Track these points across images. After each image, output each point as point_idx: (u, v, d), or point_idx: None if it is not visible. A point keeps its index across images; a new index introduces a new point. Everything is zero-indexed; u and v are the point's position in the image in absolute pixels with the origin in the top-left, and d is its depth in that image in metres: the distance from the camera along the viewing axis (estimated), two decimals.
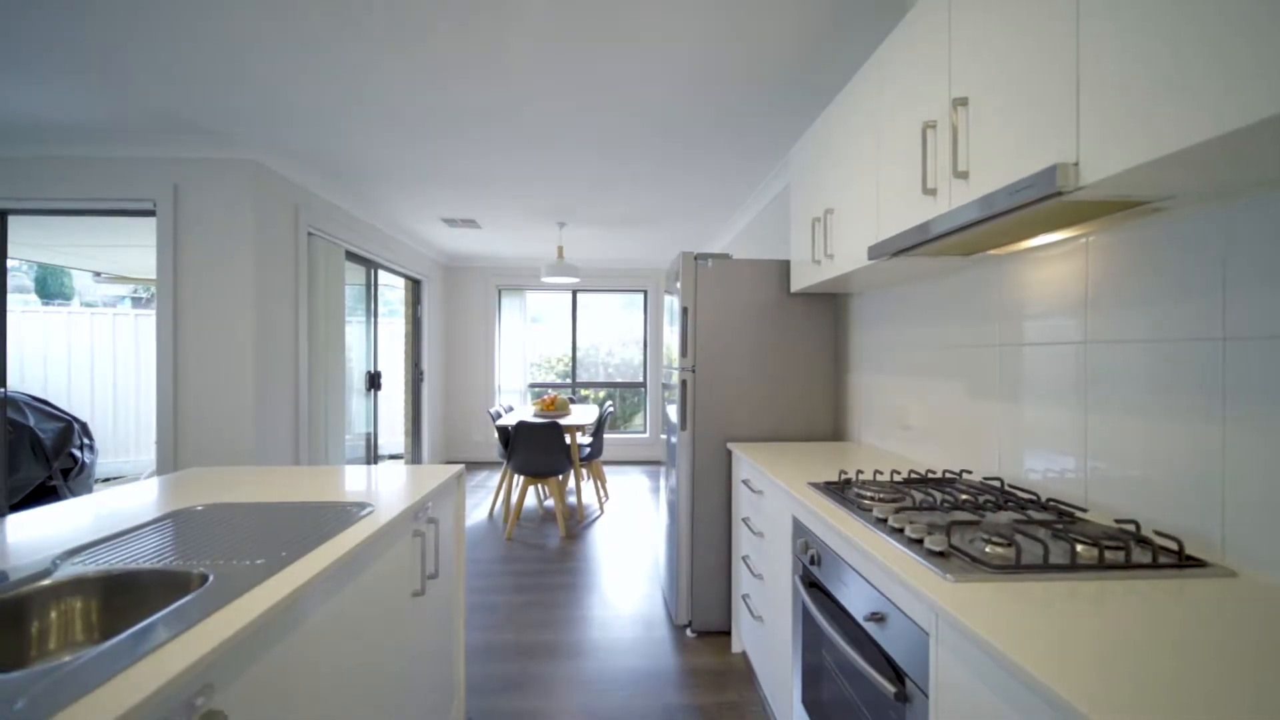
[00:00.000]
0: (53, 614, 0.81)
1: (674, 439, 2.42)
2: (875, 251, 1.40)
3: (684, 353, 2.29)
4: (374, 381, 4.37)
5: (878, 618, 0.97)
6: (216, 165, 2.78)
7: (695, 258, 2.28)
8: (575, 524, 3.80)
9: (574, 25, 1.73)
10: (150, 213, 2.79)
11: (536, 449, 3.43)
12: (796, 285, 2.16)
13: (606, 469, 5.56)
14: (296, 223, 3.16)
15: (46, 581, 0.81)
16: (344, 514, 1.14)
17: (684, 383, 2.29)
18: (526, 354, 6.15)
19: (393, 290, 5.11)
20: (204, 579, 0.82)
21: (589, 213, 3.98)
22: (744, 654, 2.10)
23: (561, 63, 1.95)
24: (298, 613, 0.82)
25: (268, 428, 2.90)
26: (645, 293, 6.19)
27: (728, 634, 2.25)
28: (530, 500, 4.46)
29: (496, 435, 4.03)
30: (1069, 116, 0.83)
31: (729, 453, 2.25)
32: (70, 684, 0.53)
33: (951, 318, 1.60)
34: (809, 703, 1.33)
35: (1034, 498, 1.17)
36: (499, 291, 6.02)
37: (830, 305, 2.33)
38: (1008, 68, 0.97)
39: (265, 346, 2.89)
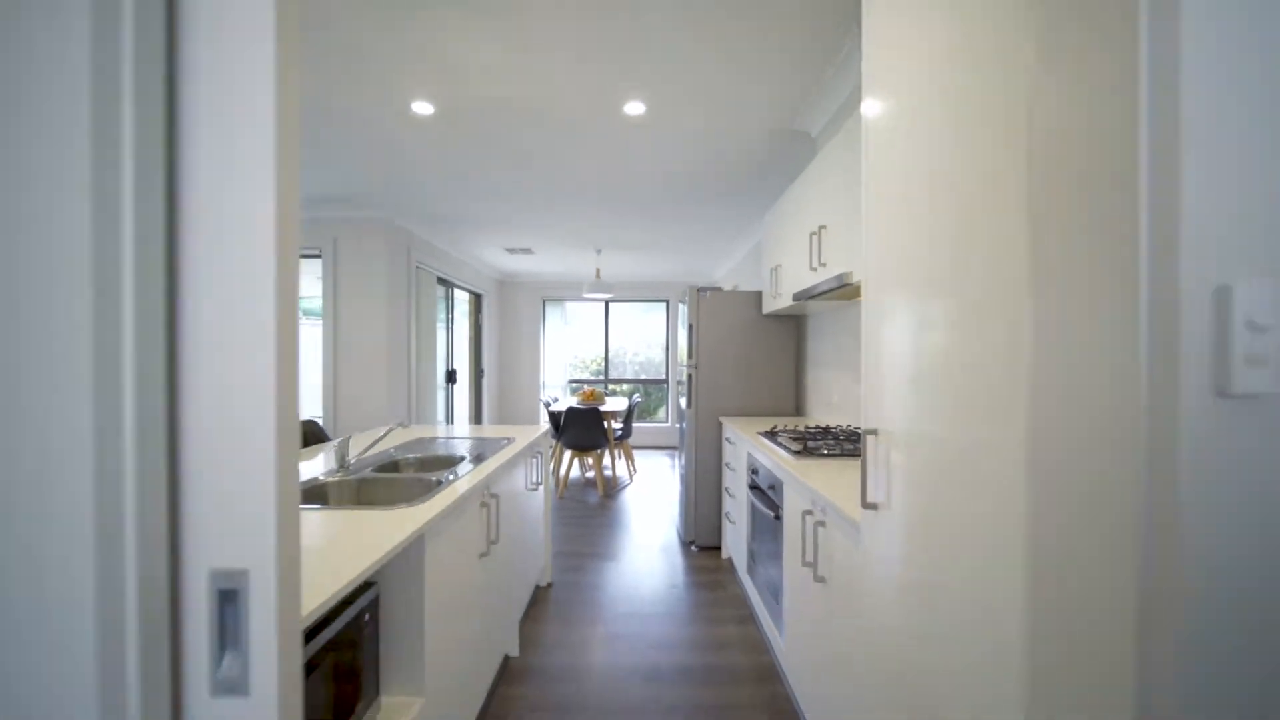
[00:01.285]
0: (362, 488, 1.85)
1: (684, 425, 3.45)
2: (796, 296, 2.41)
3: (690, 355, 3.32)
4: (451, 377, 5.54)
5: (771, 487, 2.00)
6: (362, 223, 3.95)
7: (698, 290, 3.32)
8: (611, 488, 4.87)
9: (620, 151, 2.80)
10: (318, 255, 3.98)
11: (582, 429, 4.51)
12: (766, 309, 3.17)
13: (635, 451, 6.61)
14: (409, 259, 4.32)
15: (366, 472, 1.90)
16: (495, 444, 2.22)
17: (690, 376, 3.32)
18: (566, 355, 7.28)
19: (459, 303, 6.29)
20: (434, 484, 1.89)
21: (621, 242, 5.04)
22: (729, 559, 3.12)
23: (609, 165, 3.02)
24: (485, 489, 1.89)
25: (391, 408, 4.06)
26: (666, 302, 7.23)
27: (718, 548, 3.27)
28: (574, 472, 5.55)
29: (548, 419, 5.13)
30: (856, 248, 1.84)
31: (719, 423, 3.28)
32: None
33: (843, 332, 2.59)
34: (750, 568, 2.36)
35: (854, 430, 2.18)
36: (544, 302, 7.16)
37: (794, 322, 3.32)
38: (837, 217, 1.98)
39: (390, 348, 4.05)
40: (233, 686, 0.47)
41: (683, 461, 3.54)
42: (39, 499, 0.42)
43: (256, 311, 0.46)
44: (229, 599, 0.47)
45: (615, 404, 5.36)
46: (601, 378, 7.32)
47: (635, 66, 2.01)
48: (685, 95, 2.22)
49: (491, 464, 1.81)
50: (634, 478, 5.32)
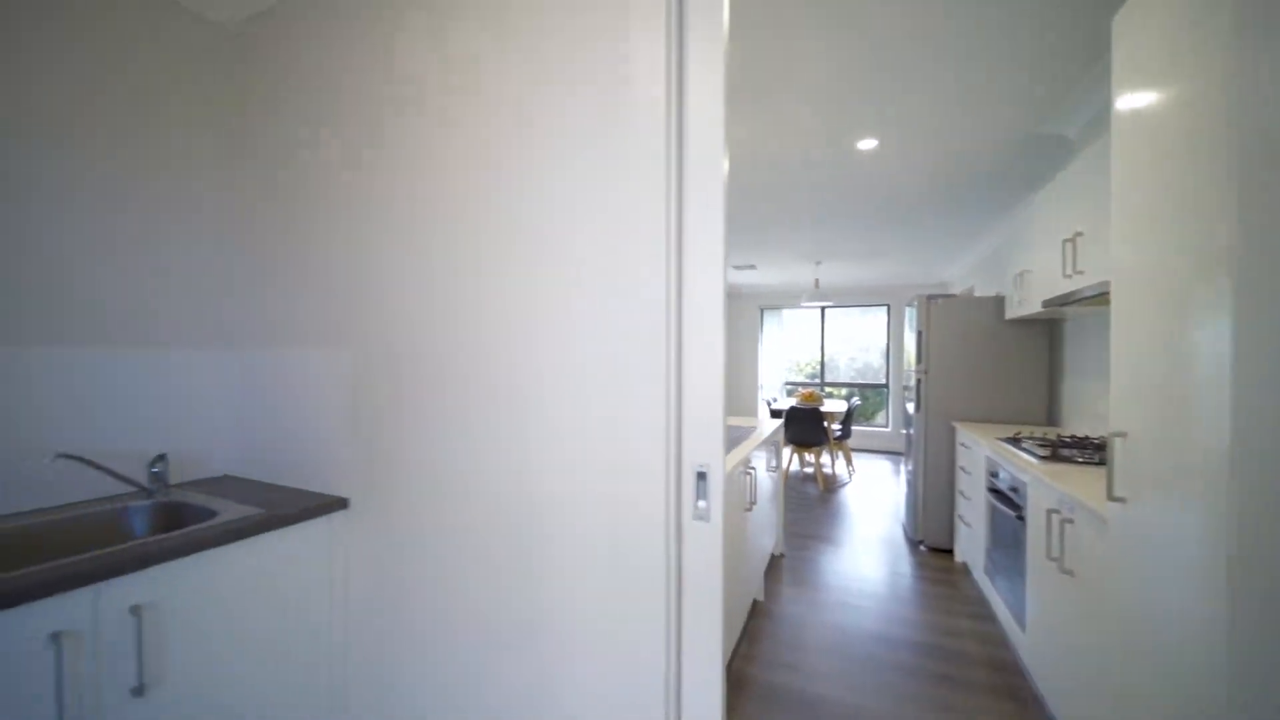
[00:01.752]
0: None
1: (912, 430, 3.52)
2: (1046, 303, 2.37)
3: (919, 360, 3.38)
4: None
5: (1013, 489, 2.09)
6: None
7: (928, 298, 3.36)
8: (830, 484, 5.07)
9: (849, 180, 3.10)
10: None
11: (804, 426, 4.84)
12: (1009, 315, 3.04)
13: (853, 453, 6.58)
14: None
15: None
16: (743, 431, 2.77)
17: (918, 381, 3.39)
18: (781, 359, 7.61)
19: None
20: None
21: (842, 253, 5.18)
22: (963, 563, 3.10)
23: (838, 193, 3.33)
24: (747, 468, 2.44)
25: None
26: (887, 306, 6.94)
27: (950, 551, 3.26)
28: (792, 466, 5.88)
29: (770, 416, 5.58)
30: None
31: (952, 428, 3.26)
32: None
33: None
34: (988, 569, 2.42)
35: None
36: (761, 311, 7.64)
37: (1045, 328, 3.09)
38: (1095, 223, 1.96)
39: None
40: (702, 516, 1.07)
41: (909, 464, 3.61)
42: (644, 433, 1.08)
43: (711, 339, 1.05)
44: (701, 477, 1.08)
45: (833, 406, 5.51)
46: (817, 381, 7.42)
47: (869, 112, 2.32)
48: (920, 124, 2.43)
49: (748, 445, 2.38)
50: (853, 477, 5.38)
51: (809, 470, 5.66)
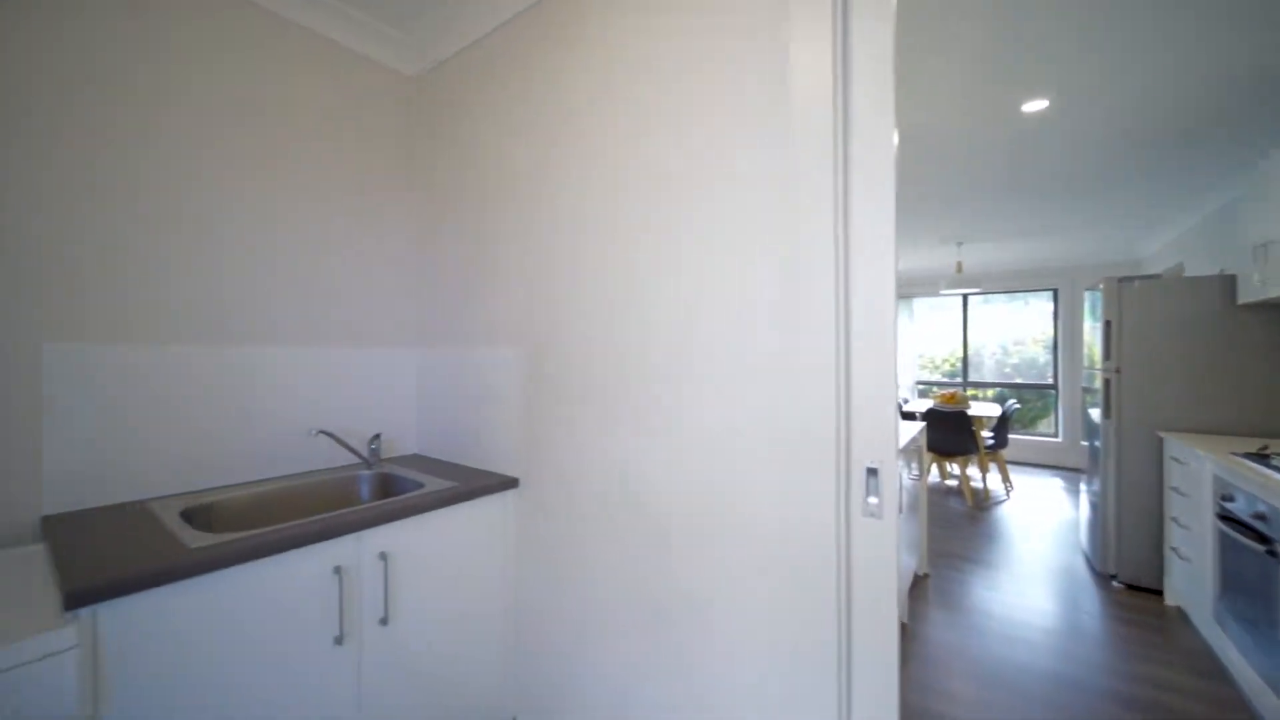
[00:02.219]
0: None
1: (1098, 441, 2.98)
2: None
3: (1106, 356, 2.86)
4: None
5: (1259, 517, 1.68)
6: None
7: (1120, 280, 2.82)
8: (981, 500, 4.48)
9: (1009, 147, 2.73)
10: None
11: (947, 432, 4.35)
12: (1245, 299, 2.43)
13: (1010, 468, 5.76)
14: None
15: None
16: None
17: (1107, 382, 2.86)
18: (910, 354, 6.91)
19: None
20: None
21: (992, 232, 4.56)
22: (1177, 607, 2.55)
23: (994, 163, 2.94)
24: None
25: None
26: (1054, 292, 5.95)
27: (1159, 591, 2.69)
28: (930, 477, 5.31)
29: (901, 419, 5.10)
30: None
31: (1158, 439, 2.69)
32: None
33: None
34: (1218, 614, 1.96)
35: None
36: None
37: None
38: None
39: None
40: (874, 513, 1.02)
41: (1093, 482, 3.05)
42: (811, 426, 1.05)
43: (882, 329, 0.99)
44: (872, 473, 1.02)
45: (983, 409, 4.86)
46: (958, 380, 6.62)
47: (1038, 67, 2.02)
48: (1107, 75, 2.06)
49: None
50: (1010, 494, 4.71)
51: (950, 483, 5.07)
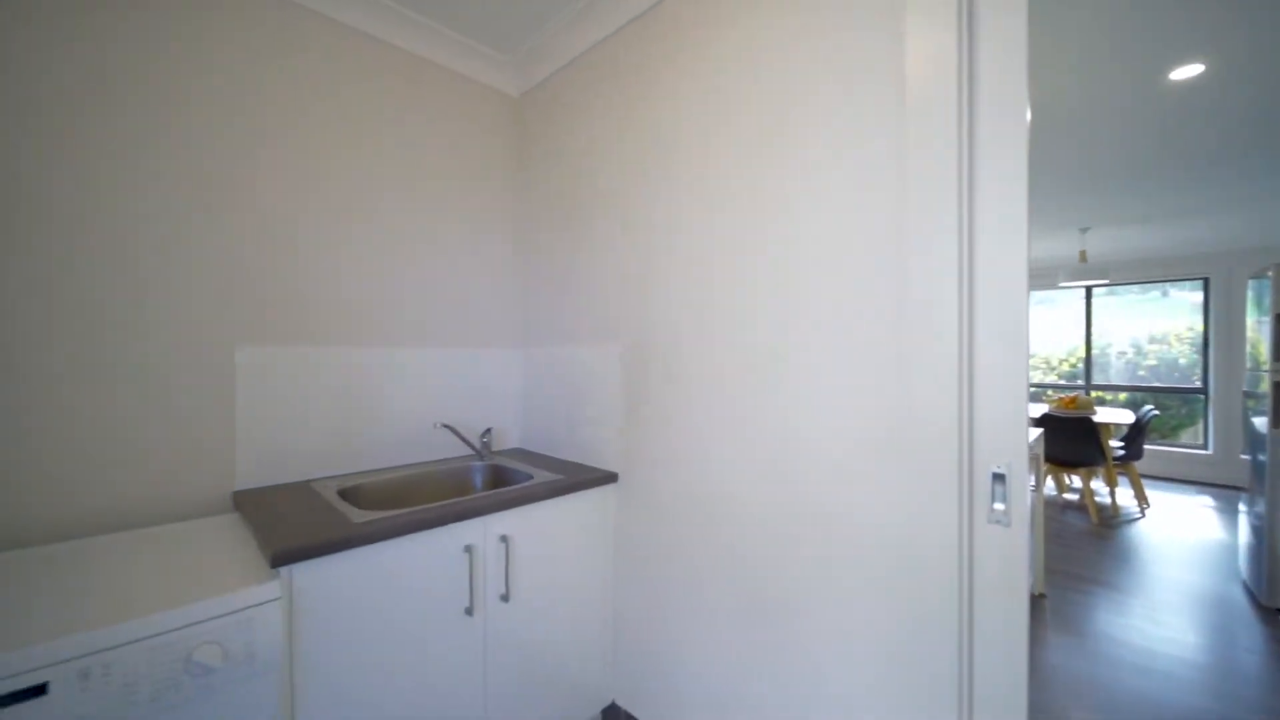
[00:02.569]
0: None
1: (1264, 455, 2.55)
2: None
3: (1277, 356, 2.44)
4: None
5: None
6: None
7: None
8: (1107, 518, 3.99)
9: (1152, 118, 2.41)
10: None
11: (1068, 440, 3.92)
12: None
13: (1145, 483, 5.08)
14: None
15: None
16: None
17: (1276, 385, 2.44)
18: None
19: None
20: None
21: (1125, 215, 4.04)
22: None
23: (1134, 136, 2.62)
24: None
25: None
26: (1206, 280, 5.15)
27: None
28: (1047, 489, 4.81)
29: None
30: None
31: None
32: None
33: None
34: None
35: None
36: None
37: None
38: None
39: None
40: (1000, 520, 0.97)
41: (1258, 502, 2.62)
42: (930, 426, 1.02)
43: (1013, 323, 0.94)
44: (999, 480, 0.97)
45: (1111, 415, 4.32)
46: (1078, 382, 5.93)
47: (1192, 29, 1.77)
48: (1274, 34, 1.76)
49: None
50: (1145, 511, 4.15)
51: (1070, 497, 4.56)
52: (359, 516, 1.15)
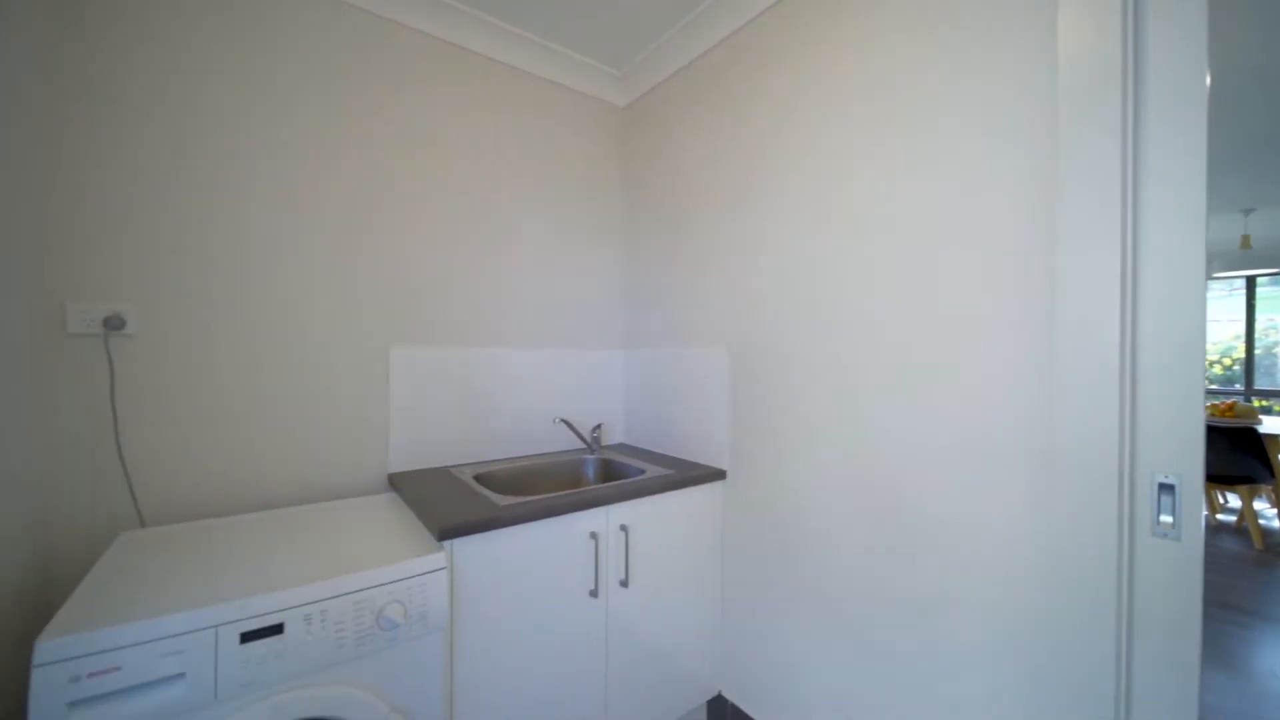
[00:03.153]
0: None
1: None
2: None
3: None
4: None
5: None
6: None
7: None
8: (1275, 544, 3.43)
9: None
10: None
11: (1221, 451, 3.41)
12: None
13: None
14: None
15: None
16: None
17: None
18: None
19: None
20: None
21: None
22: None
23: None
24: None
25: None
26: None
27: None
28: None
29: None
30: None
31: None
32: None
33: None
34: None
35: None
36: None
37: None
38: None
39: None
40: (1166, 534, 0.89)
41: None
42: (1079, 427, 0.96)
43: (1189, 314, 0.85)
44: (1166, 490, 0.89)
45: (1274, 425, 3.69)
46: (1236, 386, 5.11)
47: None
48: None
49: None
50: None
51: (1224, 518, 3.95)
52: (501, 500, 1.28)
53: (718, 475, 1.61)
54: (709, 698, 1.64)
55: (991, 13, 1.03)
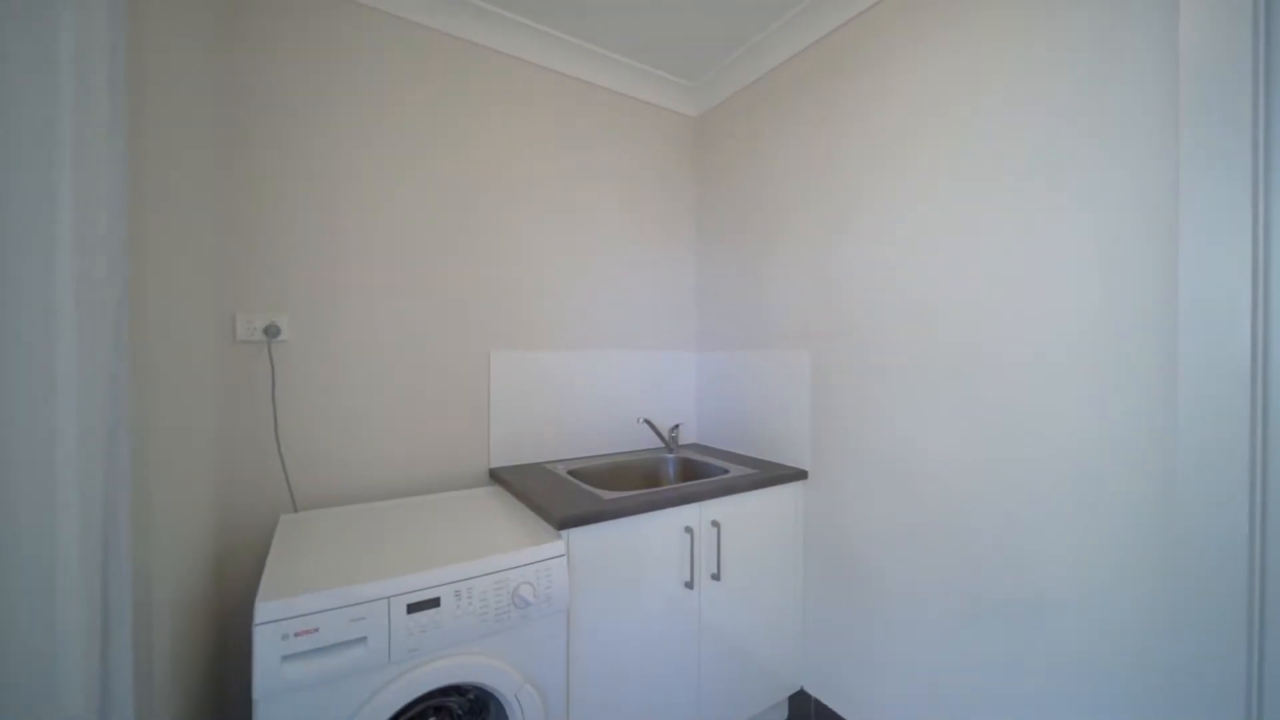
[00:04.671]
0: None
1: None
2: None
3: None
4: None
5: None
6: None
7: None
8: None
9: None
10: None
11: None
12: None
13: None
14: None
15: None
16: None
17: None
18: None
19: None
20: None
21: None
22: None
23: None
24: None
25: None
26: None
27: None
28: None
29: None
30: None
31: None
32: None
33: None
34: None
35: None
36: None
37: None
38: None
39: None
40: None
41: None
42: (1222, 426, 0.95)
43: None
44: None
45: None
46: None
47: None
48: None
49: None
50: None
51: None
52: (604, 495, 1.38)
53: (799, 475, 1.65)
54: (791, 693, 1.68)
55: (1103, 10, 1.04)
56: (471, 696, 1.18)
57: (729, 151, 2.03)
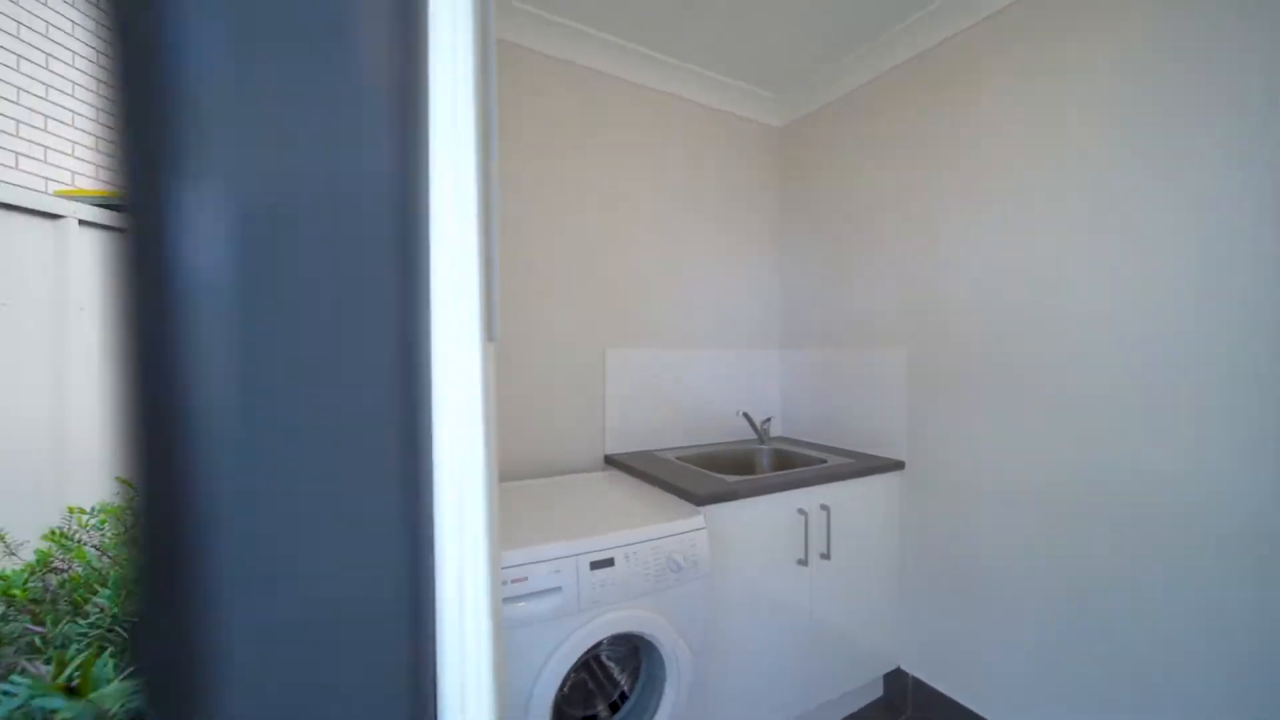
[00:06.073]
0: None
1: None
2: None
3: None
4: None
5: None
6: None
7: None
8: None
9: None
10: None
11: None
12: None
13: None
14: None
15: None
16: None
17: None
18: None
19: None
20: None
21: None
22: None
23: None
24: None
25: None
26: None
27: None
28: None
29: None
30: None
31: None
32: None
33: None
34: None
35: None
36: None
37: None
38: None
39: None
40: None
41: None
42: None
43: None
44: None
45: None
46: None
47: None
48: None
49: None
50: None
51: None
52: (730, 478, 1.53)
53: (896, 465, 1.76)
54: (888, 670, 1.79)
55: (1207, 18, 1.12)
56: (623, 649, 1.35)
57: (813, 161, 2.15)
